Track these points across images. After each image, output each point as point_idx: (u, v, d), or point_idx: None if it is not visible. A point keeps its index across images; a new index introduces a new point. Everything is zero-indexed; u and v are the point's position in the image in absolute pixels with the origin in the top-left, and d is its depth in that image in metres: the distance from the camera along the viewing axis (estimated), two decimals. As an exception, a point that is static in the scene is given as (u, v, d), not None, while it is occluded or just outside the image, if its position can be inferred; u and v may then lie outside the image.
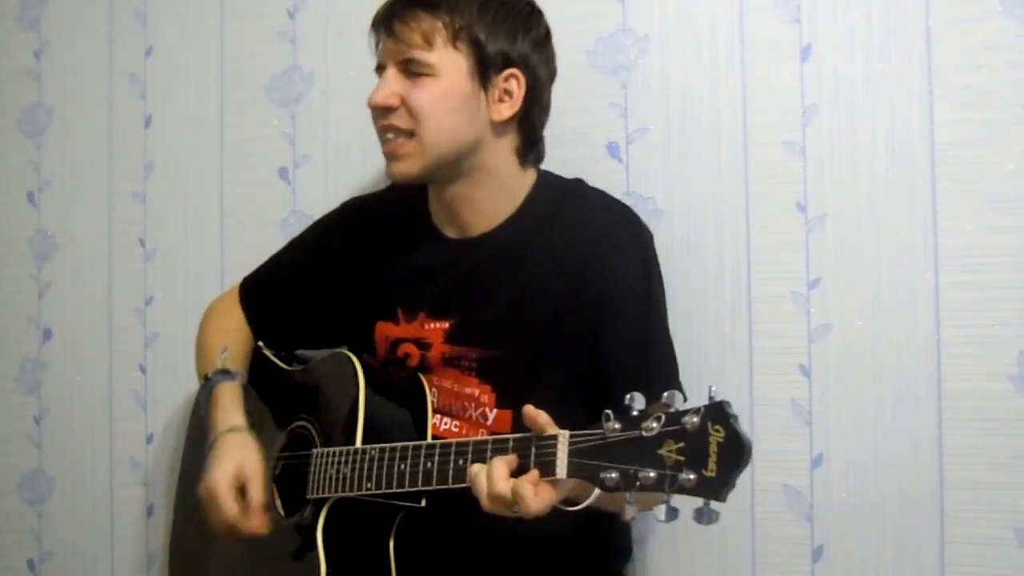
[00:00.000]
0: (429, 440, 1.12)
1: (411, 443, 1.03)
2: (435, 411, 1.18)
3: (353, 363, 1.16)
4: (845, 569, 1.28)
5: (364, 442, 1.09)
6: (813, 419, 1.29)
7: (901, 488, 1.26)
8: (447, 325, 1.19)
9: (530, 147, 1.19)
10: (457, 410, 1.19)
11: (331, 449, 1.12)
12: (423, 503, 1.08)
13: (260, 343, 1.33)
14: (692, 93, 1.35)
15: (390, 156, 1.14)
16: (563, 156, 1.38)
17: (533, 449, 0.91)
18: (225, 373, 1.24)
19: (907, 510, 1.25)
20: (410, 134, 1.12)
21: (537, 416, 0.92)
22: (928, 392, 1.25)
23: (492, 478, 0.91)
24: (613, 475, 0.85)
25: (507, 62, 1.13)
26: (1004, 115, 1.22)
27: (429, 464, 1.00)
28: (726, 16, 1.34)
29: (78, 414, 1.67)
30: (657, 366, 1.16)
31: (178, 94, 1.63)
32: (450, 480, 0.98)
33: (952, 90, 1.24)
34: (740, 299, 1.32)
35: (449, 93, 1.11)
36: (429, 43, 1.10)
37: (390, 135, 1.13)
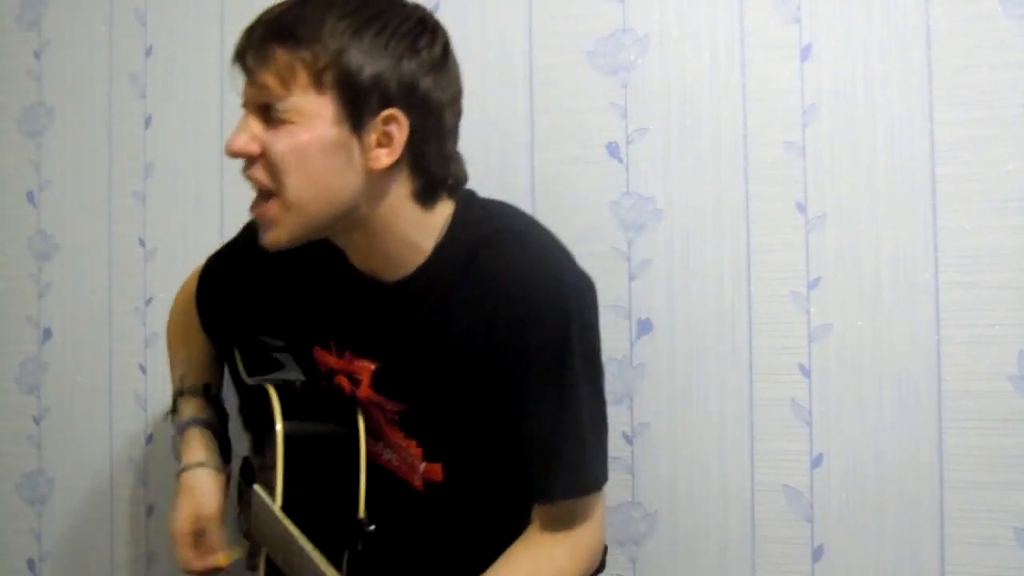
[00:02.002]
0: (363, 491, 1.04)
1: (317, 562, 0.92)
2: (377, 439, 1.11)
3: (272, 406, 1.05)
4: (845, 569, 1.28)
5: (284, 500, 1.01)
6: (813, 419, 1.29)
7: (901, 488, 1.26)
8: (374, 367, 1.08)
9: (429, 188, 1.01)
10: (395, 448, 1.12)
11: (261, 501, 1.05)
12: (371, 528, 1.04)
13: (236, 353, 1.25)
14: (692, 93, 1.35)
15: (260, 223, 0.99)
16: (563, 156, 1.39)
17: None
18: (193, 420, 1.18)
19: (907, 510, 1.25)
20: (272, 194, 0.96)
21: None
22: (928, 392, 1.25)
23: None
24: None
25: (384, 101, 0.94)
26: (1004, 115, 1.22)
27: None
28: (726, 16, 1.34)
29: (78, 414, 1.67)
30: (566, 464, 1.02)
31: (178, 94, 1.62)
32: None
33: (952, 90, 1.24)
34: (740, 299, 1.32)
35: (312, 143, 0.94)
36: (286, 86, 0.93)
37: (257, 200, 0.98)
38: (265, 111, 0.95)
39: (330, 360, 1.12)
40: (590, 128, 1.38)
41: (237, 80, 0.99)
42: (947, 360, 1.24)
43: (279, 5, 0.96)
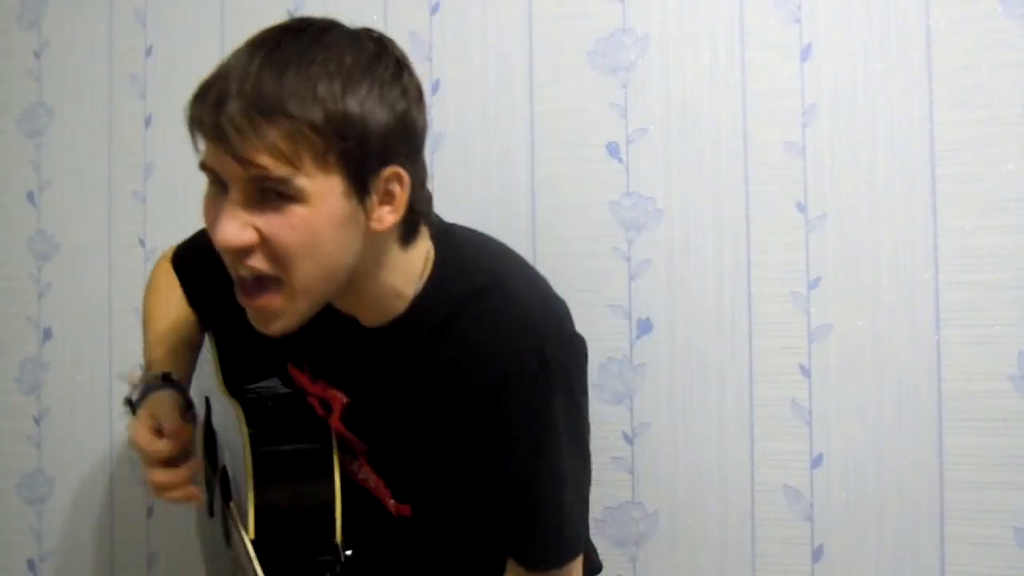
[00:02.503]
0: (339, 512, 0.99)
1: None
2: (354, 458, 1.07)
3: (242, 431, 1.00)
4: (845, 569, 1.28)
5: (257, 528, 0.96)
6: (813, 419, 1.29)
7: (901, 488, 1.26)
8: (346, 400, 1.02)
9: (413, 226, 0.93)
10: (369, 474, 1.08)
11: (236, 525, 1.01)
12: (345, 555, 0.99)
13: (213, 351, 1.20)
14: (692, 93, 1.35)
15: (259, 315, 0.88)
16: (563, 156, 1.38)
17: None
18: (166, 380, 1.09)
19: (907, 510, 1.25)
20: (275, 281, 0.85)
21: None
22: (928, 392, 1.25)
23: None
24: None
25: (386, 159, 0.85)
26: (1004, 115, 1.22)
27: None
28: (726, 16, 1.34)
29: (78, 414, 1.67)
30: (537, 535, 0.96)
31: (178, 94, 1.60)
32: None
33: (952, 90, 1.24)
34: (740, 299, 1.32)
35: (324, 224, 0.83)
36: (289, 164, 0.80)
37: (251, 288, 0.86)
38: (259, 188, 0.82)
39: (303, 382, 1.07)
40: (590, 128, 1.38)
41: (196, 143, 0.87)
42: (947, 360, 1.24)
43: (245, 72, 0.82)
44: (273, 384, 1.13)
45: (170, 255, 1.23)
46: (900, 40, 1.27)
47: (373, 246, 0.89)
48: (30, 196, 1.71)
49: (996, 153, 1.23)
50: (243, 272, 0.85)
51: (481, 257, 0.98)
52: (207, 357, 1.21)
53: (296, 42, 0.83)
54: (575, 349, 0.97)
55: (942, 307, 1.24)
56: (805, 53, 1.30)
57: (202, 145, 0.86)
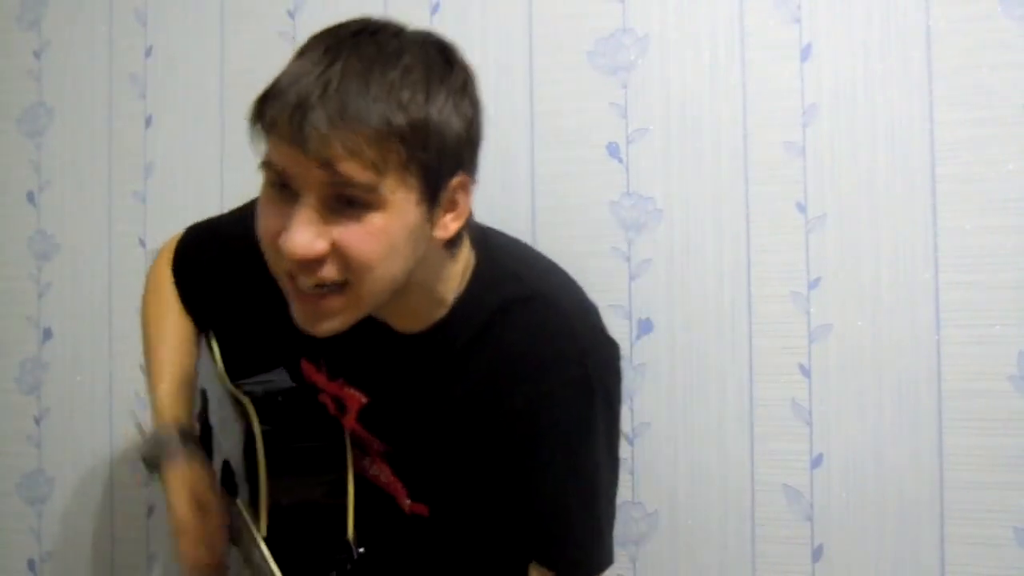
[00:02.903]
0: (351, 514, 1.00)
1: None
2: (366, 452, 1.07)
3: (255, 432, 0.99)
4: (845, 569, 1.28)
5: (269, 526, 0.96)
6: (813, 419, 1.29)
7: (901, 488, 1.26)
8: (364, 400, 1.02)
9: (459, 234, 0.92)
10: (383, 471, 1.08)
11: (244, 522, 1.00)
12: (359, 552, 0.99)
13: (213, 343, 1.18)
14: (692, 93, 1.35)
15: (311, 314, 0.86)
16: (563, 156, 1.38)
17: None
18: (184, 437, 1.07)
19: (907, 510, 1.25)
20: (339, 286, 0.84)
21: None
22: (928, 392, 1.25)
23: None
24: None
25: (456, 167, 0.86)
26: (1004, 115, 1.22)
27: None
28: (726, 16, 1.34)
29: (78, 414, 1.67)
30: (571, 545, 0.96)
31: (178, 94, 1.62)
32: None
33: (952, 90, 1.24)
34: (740, 299, 1.32)
35: (400, 233, 0.83)
36: (376, 173, 0.79)
37: (308, 288, 0.84)
38: (336, 194, 0.80)
39: (318, 380, 1.06)
40: (590, 128, 1.38)
41: (258, 146, 0.84)
42: (947, 360, 1.24)
43: (326, 76, 0.80)
44: (278, 377, 1.12)
45: (170, 250, 1.21)
46: (900, 40, 1.27)
47: (429, 254, 0.89)
48: (30, 196, 1.71)
49: (996, 153, 1.22)
50: (308, 281, 0.83)
51: (519, 264, 0.99)
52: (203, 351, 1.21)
53: (373, 46, 0.82)
54: (613, 357, 0.97)
55: (942, 307, 1.24)
56: (805, 53, 1.30)
57: (267, 145, 0.83)
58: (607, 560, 0.99)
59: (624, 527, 1.36)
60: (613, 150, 1.38)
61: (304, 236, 0.80)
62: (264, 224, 0.85)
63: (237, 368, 1.14)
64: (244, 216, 1.04)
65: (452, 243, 0.92)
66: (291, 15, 1.55)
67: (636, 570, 1.36)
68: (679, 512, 1.34)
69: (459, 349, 0.94)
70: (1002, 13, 1.22)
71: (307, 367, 1.08)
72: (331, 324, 0.86)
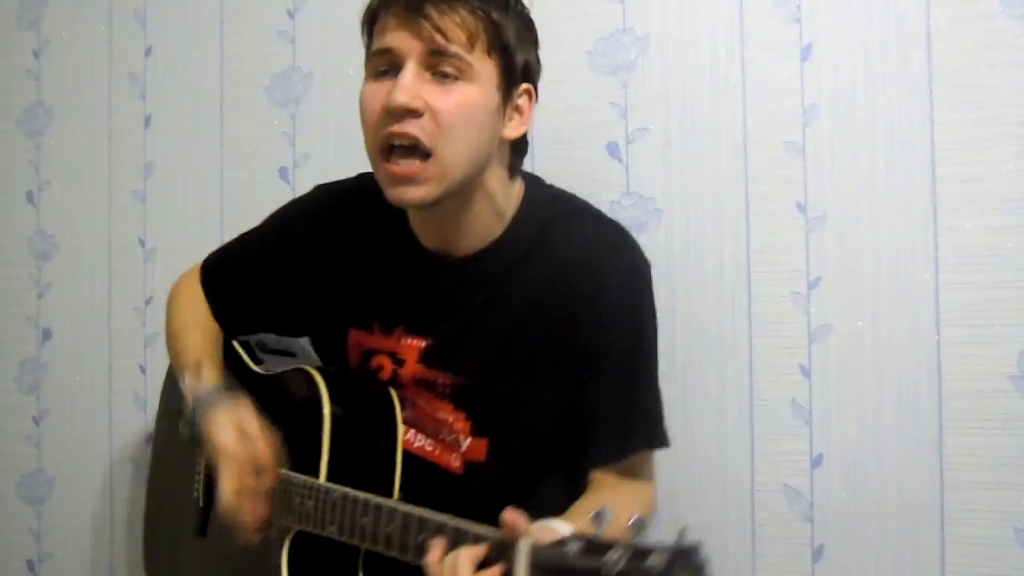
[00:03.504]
0: (398, 475, 1.06)
1: (376, 499, 0.95)
2: (411, 426, 1.12)
3: (318, 386, 1.07)
4: (845, 569, 1.28)
5: (329, 477, 1.03)
6: (813, 419, 1.29)
7: (901, 488, 1.26)
8: (423, 344, 1.10)
9: (519, 160, 1.09)
10: (431, 430, 1.12)
11: (297, 477, 1.05)
12: None
13: (235, 342, 1.26)
14: (692, 93, 1.35)
15: (402, 179, 0.97)
16: (563, 156, 1.39)
17: (492, 549, 0.83)
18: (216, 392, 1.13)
19: (907, 510, 1.25)
20: (426, 155, 0.96)
21: (515, 522, 0.79)
22: (928, 392, 1.25)
23: (458, 568, 0.82)
24: None
25: (526, 75, 1.04)
26: (1004, 115, 1.22)
27: (390, 528, 0.92)
28: (726, 16, 1.34)
29: (78, 414, 1.67)
30: (640, 418, 1.08)
31: (178, 94, 1.62)
32: (409, 553, 0.90)
33: (952, 90, 1.24)
34: (740, 299, 1.32)
35: (482, 106, 0.98)
36: (471, 43, 0.96)
37: (399, 156, 0.97)
38: (436, 61, 0.96)
39: (371, 341, 1.13)
40: (590, 128, 1.38)
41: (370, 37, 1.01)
42: (947, 360, 1.24)
43: None
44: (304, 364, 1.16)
45: (191, 277, 1.27)
46: (900, 40, 1.27)
47: (496, 158, 1.03)
48: (30, 196, 1.71)
49: (996, 153, 1.22)
50: (398, 140, 0.96)
51: (562, 192, 1.14)
52: None
53: None
54: (647, 263, 1.11)
55: (942, 307, 1.24)
56: (805, 53, 1.30)
57: (376, 39, 1.00)
58: (666, 438, 1.10)
59: (624, 527, 1.36)
60: (613, 150, 1.38)
61: (405, 93, 0.94)
62: (368, 106, 0.99)
63: (263, 362, 1.24)
64: (264, 229, 1.24)
65: (513, 169, 1.07)
66: (291, 15, 1.55)
67: (636, 570, 1.36)
68: (679, 512, 1.34)
69: (515, 260, 1.06)
70: (1002, 13, 1.22)
71: (357, 336, 1.15)
72: (418, 192, 0.97)
